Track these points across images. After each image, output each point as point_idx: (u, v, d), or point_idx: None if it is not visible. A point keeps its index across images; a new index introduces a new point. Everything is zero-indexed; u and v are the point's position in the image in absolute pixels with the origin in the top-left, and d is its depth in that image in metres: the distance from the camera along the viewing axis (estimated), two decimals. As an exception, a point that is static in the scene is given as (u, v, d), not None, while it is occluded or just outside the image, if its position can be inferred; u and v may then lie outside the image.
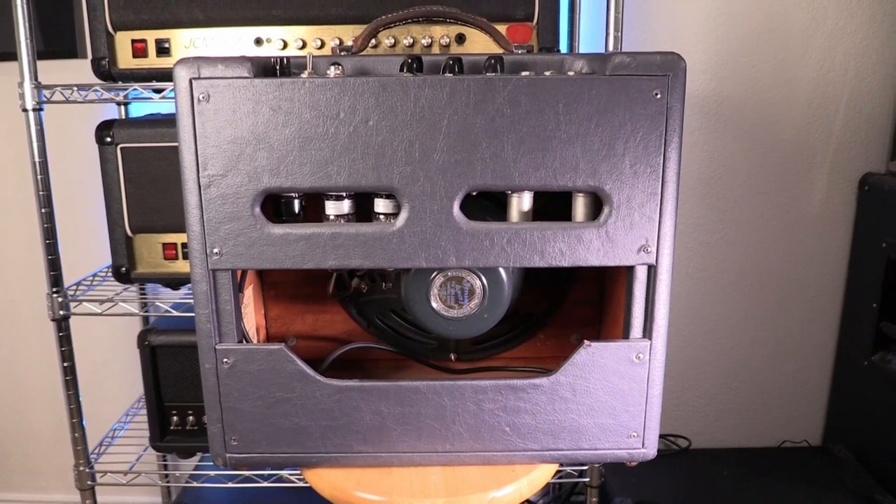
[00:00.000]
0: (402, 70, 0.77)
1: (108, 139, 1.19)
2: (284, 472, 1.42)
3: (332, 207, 0.77)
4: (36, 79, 1.21)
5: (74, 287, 1.34)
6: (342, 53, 0.82)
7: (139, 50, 1.19)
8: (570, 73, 0.73)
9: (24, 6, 1.17)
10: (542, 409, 0.81)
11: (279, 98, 0.70)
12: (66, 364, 1.33)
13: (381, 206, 0.78)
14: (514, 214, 0.78)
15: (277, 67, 0.74)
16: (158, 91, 1.22)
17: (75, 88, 1.22)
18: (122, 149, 1.19)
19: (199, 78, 0.70)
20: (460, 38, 1.17)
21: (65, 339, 1.32)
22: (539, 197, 0.79)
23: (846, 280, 1.69)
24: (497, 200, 0.88)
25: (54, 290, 1.29)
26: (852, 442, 1.65)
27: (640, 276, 0.78)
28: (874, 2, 1.54)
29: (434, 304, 0.80)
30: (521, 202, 0.77)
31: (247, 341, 0.81)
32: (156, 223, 1.23)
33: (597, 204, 0.76)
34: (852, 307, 1.66)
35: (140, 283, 1.35)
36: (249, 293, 0.90)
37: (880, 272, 1.53)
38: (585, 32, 1.49)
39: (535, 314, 0.98)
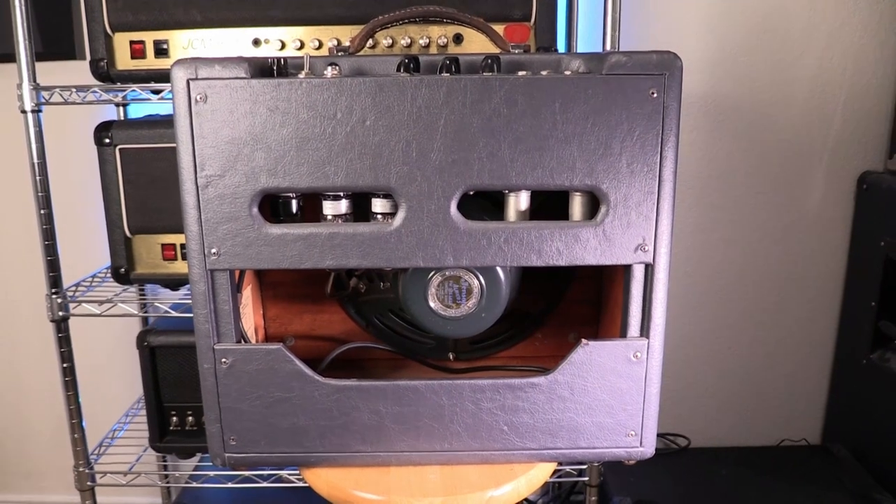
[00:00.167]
0: (398, 70, 0.77)
1: (107, 140, 1.19)
2: (284, 472, 1.42)
3: (329, 207, 0.77)
4: (34, 80, 1.21)
5: (74, 288, 1.34)
6: (339, 54, 0.82)
7: (137, 51, 1.19)
8: (567, 73, 0.74)
9: (23, 8, 1.18)
10: (540, 408, 0.81)
11: (276, 98, 0.70)
12: (65, 365, 1.34)
13: (378, 205, 0.78)
14: (511, 214, 0.78)
15: (274, 68, 0.74)
16: (157, 92, 1.22)
17: (74, 90, 1.22)
18: (120, 150, 1.20)
19: (196, 79, 0.70)
20: (458, 39, 1.17)
21: (64, 340, 1.33)
22: (536, 196, 0.79)
23: (845, 279, 1.69)
24: (494, 200, 0.88)
25: (53, 291, 1.29)
26: (851, 441, 1.65)
27: (638, 274, 0.78)
28: (872, 1, 1.54)
29: (432, 304, 0.80)
30: (519, 201, 0.77)
31: (245, 341, 0.82)
32: (155, 224, 1.23)
33: (594, 203, 0.76)
34: (851, 306, 1.66)
35: (139, 284, 1.36)
36: (248, 293, 0.90)
37: (879, 271, 1.53)
38: (583, 32, 1.49)
39: (532, 313, 0.98)
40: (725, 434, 1.81)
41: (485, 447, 0.82)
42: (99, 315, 1.31)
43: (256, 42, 1.18)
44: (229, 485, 1.46)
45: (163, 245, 1.25)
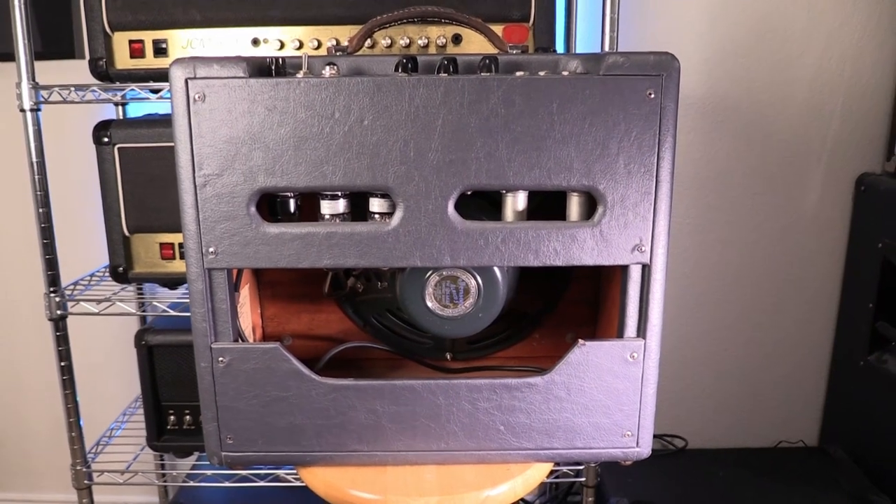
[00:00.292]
0: (396, 70, 0.77)
1: (106, 139, 1.19)
2: (281, 472, 1.42)
3: (327, 207, 0.78)
4: (33, 79, 1.21)
5: (72, 287, 1.34)
6: (338, 53, 0.82)
7: (136, 50, 1.20)
8: (565, 73, 0.74)
9: (22, 7, 1.18)
10: (536, 408, 0.81)
11: (274, 98, 0.70)
12: (63, 363, 1.34)
13: (376, 205, 0.78)
14: (508, 214, 0.78)
15: (273, 67, 0.75)
16: (156, 91, 1.22)
17: (73, 89, 1.22)
18: (119, 149, 1.20)
19: (194, 78, 0.70)
20: (457, 39, 1.18)
21: (62, 339, 1.33)
22: (534, 196, 0.79)
23: (842, 280, 1.69)
24: (492, 200, 0.88)
25: (52, 289, 1.29)
26: (848, 442, 1.65)
27: (635, 275, 0.78)
28: (870, 2, 1.54)
29: (429, 304, 0.80)
30: (516, 201, 0.78)
31: (242, 340, 0.82)
32: (153, 223, 1.23)
33: (591, 203, 0.77)
34: (848, 307, 1.67)
35: (137, 283, 1.36)
36: (245, 292, 0.90)
37: (876, 272, 1.53)
38: (582, 33, 1.49)
39: (530, 313, 0.99)
40: (723, 435, 1.81)
41: (481, 447, 0.82)
42: (97, 314, 1.31)
43: (255, 42, 1.18)
44: (226, 484, 1.46)
45: (161, 244, 1.25)
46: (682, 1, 1.55)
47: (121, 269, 1.25)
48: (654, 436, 1.72)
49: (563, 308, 0.99)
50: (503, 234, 0.75)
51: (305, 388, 0.79)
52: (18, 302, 1.76)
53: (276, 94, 0.70)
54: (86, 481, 1.40)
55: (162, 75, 1.20)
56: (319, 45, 1.18)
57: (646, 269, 0.77)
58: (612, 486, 1.52)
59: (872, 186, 1.57)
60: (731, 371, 1.76)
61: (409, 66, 0.77)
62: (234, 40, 1.18)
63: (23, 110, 1.21)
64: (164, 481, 1.74)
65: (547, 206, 0.86)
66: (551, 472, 1.46)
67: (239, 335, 0.81)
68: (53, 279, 1.29)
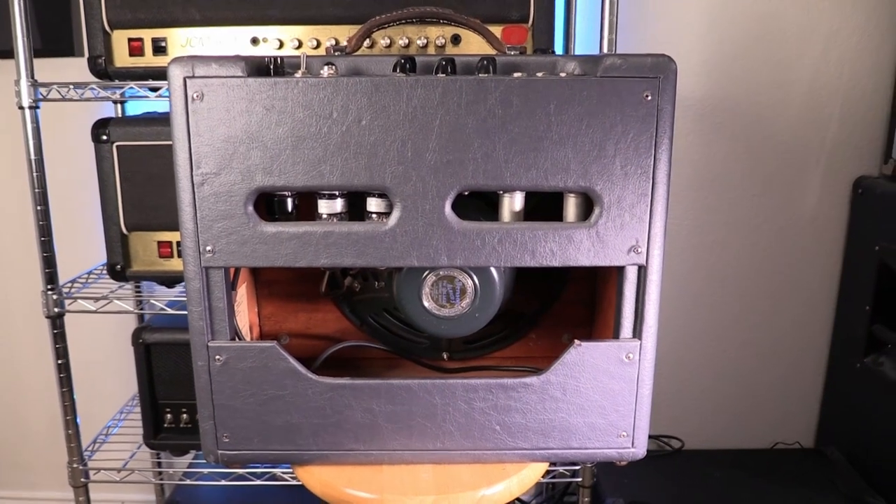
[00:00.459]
0: (395, 70, 0.77)
1: (104, 137, 1.19)
2: (277, 470, 1.42)
3: (324, 206, 0.78)
4: (32, 76, 1.21)
5: (69, 284, 1.34)
6: (336, 53, 0.83)
7: (136, 49, 1.20)
8: (562, 75, 0.74)
9: (21, 4, 1.18)
10: (532, 408, 0.81)
11: (273, 97, 0.71)
12: (60, 361, 1.34)
13: (373, 205, 0.78)
14: (505, 214, 0.78)
15: (271, 67, 0.75)
16: (155, 90, 1.22)
17: (72, 86, 1.22)
18: (117, 147, 1.20)
19: (193, 77, 0.70)
20: (455, 39, 1.18)
21: (59, 337, 1.33)
22: (531, 197, 0.79)
23: (839, 282, 1.69)
24: (489, 200, 0.89)
25: (49, 287, 1.29)
26: (845, 444, 1.66)
27: (631, 276, 0.78)
28: (869, 5, 1.54)
29: (426, 303, 0.80)
30: (513, 202, 0.78)
31: (239, 339, 0.82)
32: (151, 221, 1.23)
33: (588, 204, 0.77)
34: (845, 310, 1.67)
35: (135, 281, 1.36)
36: (243, 291, 0.90)
37: (873, 275, 1.54)
38: (581, 34, 1.49)
39: (526, 314, 0.99)
40: (719, 436, 1.81)
41: (477, 446, 0.82)
42: (94, 312, 1.31)
43: (255, 41, 1.18)
44: (223, 482, 1.46)
45: (159, 242, 1.25)
46: (681, 3, 1.55)
47: (118, 266, 1.25)
48: (651, 436, 1.73)
49: (560, 308, 0.99)
50: (500, 235, 0.75)
51: (302, 386, 0.80)
52: (16, 299, 1.76)
53: (274, 93, 0.71)
54: (82, 479, 1.41)
55: (161, 74, 1.20)
56: (318, 45, 1.18)
57: (642, 271, 0.78)
58: (609, 486, 1.52)
59: (870, 189, 1.57)
60: (727, 372, 1.77)
61: (408, 66, 0.77)
62: (233, 39, 1.18)
63: (21, 108, 1.21)
64: (161, 479, 1.74)
65: (544, 206, 0.86)
66: (547, 473, 1.47)
67: (236, 334, 0.81)
68: (51, 277, 1.29)
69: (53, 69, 1.51)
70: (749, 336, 1.74)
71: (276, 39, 1.18)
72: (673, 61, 0.72)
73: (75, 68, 1.53)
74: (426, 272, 0.79)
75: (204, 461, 1.47)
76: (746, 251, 1.69)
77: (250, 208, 0.74)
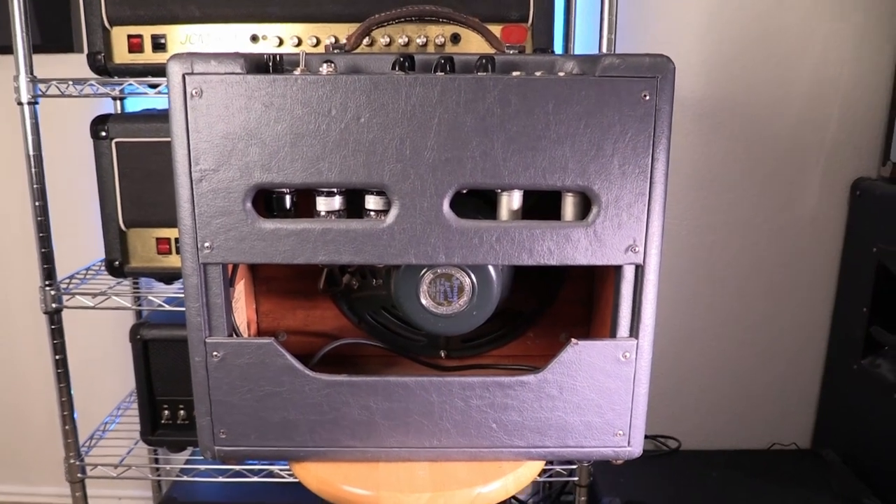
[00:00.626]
0: (394, 68, 0.77)
1: (103, 133, 1.19)
2: (274, 468, 1.42)
3: (322, 203, 0.78)
4: (31, 72, 1.21)
5: (67, 280, 1.34)
6: (335, 51, 0.83)
7: (135, 45, 1.20)
8: (561, 74, 0.74)
9: (21, 0, 1.18)
10: (528, 406, 0.81)
11: (271, 94, 0.71)
12: (57, 357, 1.34)
13: (371, 202, 0.78)
14: (503, 213, 0.78)
15: (270, 64, 0.75)
16: (154, 86, 1.22)
17: (71, 82, 1.22)
18: (116, 143, 1.20)
19: (192, 73, 0.70)
20: (455, 38, 1.18)
21: (57, 332, 1.33)
22: (529, 196, 0.80)
23: (837, 284, 1.70)
24: (487, 199, 0.89)
25: (47, 283, 1.29)
26: (841, 445, 1.66)
27: (628, 275, 0.79)
28: (868, 6, 1.55)
29: (423, 301, 0.81)
30: (511, 201, 0.78)
31: (237, 335, 0.82)
32: (150, 218, 1.23)
33: (585, 204, 0.77)
34: (843, 311, 1.67)
35: (133, 278, 1.36)
36: (241, 288, 0.90)
37: (871, 277, 1.54)
38: (581, 34, 1.49)
39: (524, 312, 0.99)
40: (716, 437, 1.81)
41: (474, 444, 0.83)
42: (92, 308, 1.31)
43: (254, 38, 1.18)
44: (220, 479, 1.46)
45: (157, 239, 1.25)
46: (681, 3, 1.56)
47: (117, 263, 1.25)
48: (648, 436, 1.73)
49: (558, 307, 0.99)
50: (498, 233, 0.75)
51: (299, 383, 0.80)
52: (14, 295, 1.76)
53: (273, 90, 0.71)
54: (79, 475, 1.41)
55: (160, 70, 1.20)
56: (318, 43, 1.18)
57: (639, 270, 0.78)
58: (605, 486, 1.52)
59: (868, 191, 1.57)
60: (725, 373, 1.77)
61: (407, 64, 0.77)
62: (232, 36, 1.18)
63: (20, 103, 1.22)
64: (158, 476, 1.74)
65: (542, 205, 0.86)
66: (544, 472, 1.47)
67: (233, 330, 0.81)
68: (49, 272, 1.29)
69: (53, 65, 1.51)
70: (746, 337, 1.74)
71: (276, 37, 1.18)
72: (671, 61, 0.72)
73: (75, 65, 1.53)
74: (424, 270, 0.79)
75: (201, 458, 1.47)
76: (745, 252, 1.69)
77: (248, 205, 0.74)
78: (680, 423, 1.79)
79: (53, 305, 1.30)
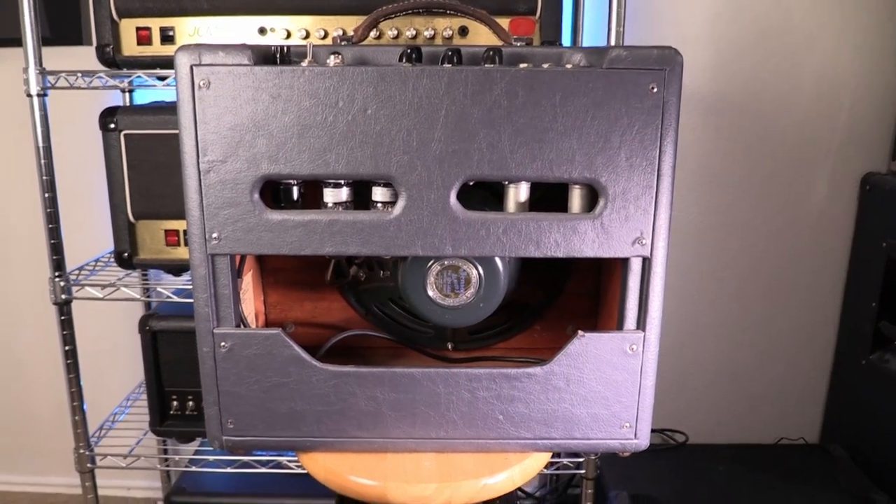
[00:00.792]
0: (401, 60, 0.77)
1: (112, 125, 1.20)
2: (282, 459, 1.43)
3: (330, 195, 0.78)
4: (41, 65, 1.22)
5: (77, 272, 1.35)
6: (342, 43, 0.83)
7: (143, 37, 1.20)
8: (568, 66, 0.74)
9: (31, -8, 1.19)
10: (535, 398, 0.81)
11: (279, 86, 0.71)
12: (67, 348, 1.35)
13: (378, 194, 0.78)
14: (510, 205, 0.78)
15: (278, 56, 0.75)
16: (162, 78, 1.23)
17: (79, 75, 1.23)
18: (125, 135, 1.20)
19: (199, 65, 0.71)
20: (463, 31, 1.18)
21: (66, 323, 1.34)
22: (536, 188, 0.80)
23: (846, 279, 1.69)
24: (494, 191, 0.89)
25: (57, 274, 1.30)
26: (849, 440, 1.66)
27: (635, 268, 0.78)
28: (878, 1, 1.53)
29: (430, 293, 0.81)
30: (518, 193, 0.78)
31: (244, 326, 0.82)
32: (158, 209, 1.24)
33: (593, 196, 0.77)
34: (852, 306, 1.67)
35: (142, 269, 1.37)
36: (248, 279, 0.91)
37: (880, 272, 1.53)
38: (589, 27, 1.49)
39: (531, 305, 0.99)
40: (723, 431, 1.81)
41: (480, 435, 0.83)
42: (101, 299, 1.32)
43: (262, 31, 1.19)
44: (228, 470, 1.47)
45: (166, 231, 1.26)
46: (690, -4, 1.55)
47: (126, 254, 1.26)
48: (655, 430, 1.73)
49: (565, 300, 0.99)
50: (504, 225, 0.75)
51: (306, 374, 0.80)
52: (24, 287, 1.77)
53: (280, 81, 0.71)
54: (89, 465, 1.42)
55: (168, 62, 1.21)
56: (326, 35, 1.18)
57: (646, 262, 0.78)
58: (612, 479, 1.53)
59: (878, 186, 1.57)
60: (732, 367, 1.77)
61: (414, 56, 0.77)
62: (240, 28, 1.19)
63: (30, 95, 1.22)
64: (167, 466, 1.75)
65: (549, 197, 0.86)
66: (551, 465, 1.47)
67: (241, 321, 0.81)
68: (58, 264, 1.30)
69: (62, 58, 1.52)
70: (754, 331, 1.74)
71: (284, 29, 1.18)
72: (679, 54, 0.72)
73: (83, 57, 1.53)
74: (431, 262, 0.79)
75: (210, 448, 1.48)
76: (753, 247, 1.68)
77: (256, 196, 0.74)
78: (687, 418, 1.79)
79: (63, 296, 1.31)
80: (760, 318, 1.73)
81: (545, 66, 0.74)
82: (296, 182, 0.80)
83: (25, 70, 1.21)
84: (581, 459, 1.46)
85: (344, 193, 0.78)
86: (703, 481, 1.55)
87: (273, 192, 0.81)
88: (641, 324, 0.80)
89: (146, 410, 1.41)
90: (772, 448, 1.74)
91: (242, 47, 0.71)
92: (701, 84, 1.59)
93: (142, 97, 1.57)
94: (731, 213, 1.67)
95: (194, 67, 0.71)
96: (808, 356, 1.75)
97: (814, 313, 1.72)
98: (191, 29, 1.19)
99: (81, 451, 1.41)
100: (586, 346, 0.80)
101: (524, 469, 0.84)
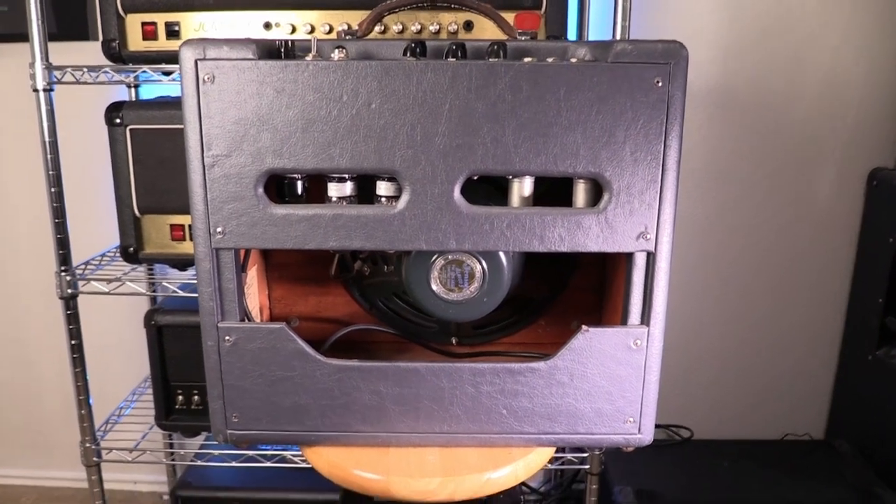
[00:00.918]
0: (405, 54, 0.77)
1: (118, 120, 1.20)
2: (287, 453, 1.44)
3: (334, 189, 0.78)
4: (47, 60, 1.22)
5: (83, 266, 1.35)
6: (347, 37, 0.83)
7: (149, 33, 1.20)
8: (573, 60, 0.74)
9: (37, -12, 1.19)
10: (539, 392, 0.82)
11: (283, 80, 0.71)
12: (73, 342, 1.35)
13: (382, 188, 0.78)
14: (514, 200, 0.78)
15: (282, 50, 0.75)
16: (168, 73, 1.23)
17: (85, 70, 1.23)
18: (131, 130, 1.21)
19: (204, 59, 0.71)
20: (468, 25, 1.18)
21: (72, 318, 1.34)
22: (540, 183, 0.79)
23: (853, 274, 1.68)
24: (499, 185, 0.89)
25: (63, 268, 1.31)
26: (855, 436, 1.65)
27: (639, 262, 0.78)
28: (887, -6, 1.53)
29: (434, 287, 0.81)
30: (522, 187, 0.78)
31: (249, 320, 0.83)
32: (164, 204, 1.24)
33: (597, 190, 0.77)
34: (858, 301, 1.66)
35: (148, 264, 1.37)
36: (253, 273, 0.91)
37: (887, 267, 1.53)
38: (595, 22, 1.48)
39: (535, 300, 0.99)
40: (729, 427, 1.81)
41: (484, 430, 0.83)
42: (107, 293, 1.33)
43: (267, 25, 1.19)
44: (234, 464, 1.48)
45: (171, 225, 1.26)
46: (697, -10, 1.54)
47: (131, 249, 1.26)
48: (660, 426, 1.73)
49: (569, 295, 0.99)
50: (508, 220, 0.75)
51: (310, 368, 0.80)
52: (30, 281, 1.78)
53: (284, 76, 0.71)
54: (94, 458, 1.42)
55: (174, 57, 1.21)
56: (331, 30, 1.18)
57: (650, 257, 0.77)
58: (617, 474, 1.52)
59: (885, 181, 1.56)
60: (738, 362, 1.76)
61: (418, 50, 0.77)
62: (246, 24, 1.19)
63: (36, 90, 1.23)
64: (173, 460, 1.76)
65: (553, 192, 0.86)
66: (556, 459, 1.47)
67: (246, 315, 0.82)
68: (64, 258, 1.31)
69: (68, 53, 1.52)
70: (760, 326, 1.73)
71: (289, 24, 1.18)
72: (684, 47, 0.71)
73: (89, 52, 1.54)
74: (435, 256, 0.79)
75: (215, 443, 1.49)
76: (759, 241, 1.68)
77: (260, 190, 0.74)
78: (692, 413, 1.79)
79: (69, 291, 1.32)
80: (766, 314, 1.72)
81: (549, 60, 0.74)
82: (300, 176, 0.80)
83: (32, 65, 1.21)
84: (585, 455, 1.46)
85: (348, 188, 0.78)
86: (707, 477, 1.55)
87: (277, 187, 0.81)
88: (645, 319, 0.80)
89: (152, 404, 1.41)
90: (777, 444, 1.73)
91: (247, 42, 0.71)
92: (707, 79, 1.59)
93: (147, 92, 1.57)
94: (737, 209, 1.66)
95: (199, 62, 0.71)
96: (814, 351, 1.75)
97: (820, 308, 1.72)
98: (196, 24, 1.19)
99: (87, 444, 1.41)
100: (590, 341, 0.80)
101: (528, 464, 0.84)
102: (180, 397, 1.39)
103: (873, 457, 1.57)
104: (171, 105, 1.22)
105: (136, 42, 1.21)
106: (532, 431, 0.83)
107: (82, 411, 1.39)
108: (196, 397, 1.38)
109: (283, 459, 1.44)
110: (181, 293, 1.34)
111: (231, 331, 0.79)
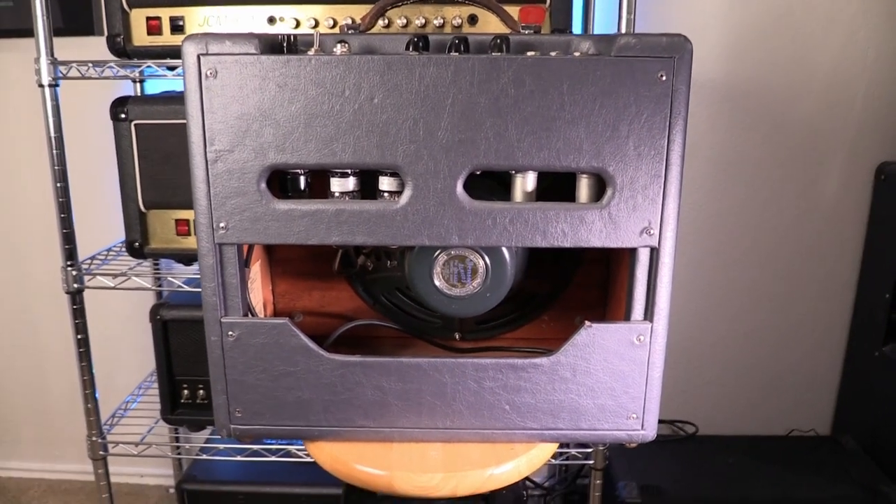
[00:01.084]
0: (407, 48, 0.77)
1: (123, 115, 1.20)
2: (291, 447, 1.44)
3: (336, 184, 0.78)
4: (52, 55, 1.22)
5: (89, 261, 1.36)
6: (350, 32, 0.82)
7: (154, 27, 1.20)
8: (576, 54, 0.73)
9: (42, -18, 1.19)
10: (542, 388, 0.81)
11: (285, 75, 0.71)
12: (79, 336, 1.36)
13: (385, 183, 0.78)
14: (517, 195, 0.78)
15: (284, 44, 0.75)
16: (172, 68, 1.23)
17: (91, 65, 1.23)
18: (136, 125, 1.21)
19: (206, 54, 0.71)
20: (472, 19, 1.17)
21: (78, 312, 1.35)
22: (543, 178, 0.79)
23: (860, 269, 1.68)
24: (501, 180, 0.89)
25: (69, 263, 1.31)
26: (861, 432, 1.64)
27: (643, 258, 0.78)
28: (895, -12, 1.51)
29: (437, 283, 0.81)
30: (525, 182, 0.77)
31: (252, 315, 0.83)
32: (169, 199, 1.24)
33: (600, 185, 0.76)
34: (865, 297, 1.65)
35: (153, 259, 1.38)
36: (257, 269, 0.91)
37: (895, 262, 1.52)
38: (600, 15, 1.48)
39: (539, 295, 0.99)
40: (734, 422, 1.81)
41: (486, 426, 0.83)
42: (113, 288, 1.33)
43: (272, 20, 1.19)
44: (239, 458, 1.48)
45: (177, 220, 1.26)
46: (703, -16, 1.54)
47: (137, 244, 1.27)
48: (665, 421, 1.73)
49: (573, 291, 0.99)
50: (511, 215, 0.75)
51: (313, 363, 0.80)
52: (37, 276, 1.79)
53: (287, 70, 0.71)
54: (101, 452, 1.43)
55: (178, 52, 1.20)
56: (335, 25, 1.18)
57: (654, 253, 0.77)
58: (621, 470, 1.52)
59: (893, 175, 1.55)
60: (743, 358, 1.76)
61: (421, 44, 0.77)
62: (250, 18, 1.19)
63: (41, 85, 1.23)
64: (178, 454, 1.76)
65: (557, 187, 0.86)
66: (560, 455, 1.47)
67: (249, 310, 0.82)
68: (70, 253, 1.31)
69: (73, 48, 1.52)
70: (766, 321, 1.73)
71: (293, 18, 1.18)
72: (688, 41, 0.71)
73: (95, 47, 1.54)
74: (438, 251, 0.79)
75: (220, 437, 1.49)
76: (765, 236, 1.67)
77: (263, 185, 0.74)
78: (697, 409, 1.79)
79: (75, 286, 1.32)
80: (773, 309, 1.72)
81: (553, 54, 0.73)
82: (302, 171, 0.80)
83: (37, 60, 1.21)
84: (590, 450, 1.46)
85: (350, 183, 0.78)
86: (712, 473, 1.55)
87: (280, 182, 0.81)
88: (649, 314, 0.79)
89: (157, 399, 1.42)
90: (783, 440, 1.73)
91: (249, 36, 0.71)
92: (712, 73, 1.58)
93: (153, 87, 1.57)
94: (743, 204, 1.65)
95: (201, 57, 0.71)
96: (820, 347, 1.74)
97: (827, 303, 1.71)
98: (200, 19, 1.19)
99: (94, 438, 1.42)
100: (593, 337, 0.80)
101: (530, 459, 0.84)
102: (186, 392, 1.39)
103: (879, 453, 1.56)
104: (176, 100, 1.22)
105: (140, 37, 1.21)
106: (535, 427, 0.83)
107: (88, 405, 1.40)
108: (201, 392, 1.38)
109: (288, 454, 1.44)
110: (186, 288, 1.34)
111: (234, 326, 0.79)
